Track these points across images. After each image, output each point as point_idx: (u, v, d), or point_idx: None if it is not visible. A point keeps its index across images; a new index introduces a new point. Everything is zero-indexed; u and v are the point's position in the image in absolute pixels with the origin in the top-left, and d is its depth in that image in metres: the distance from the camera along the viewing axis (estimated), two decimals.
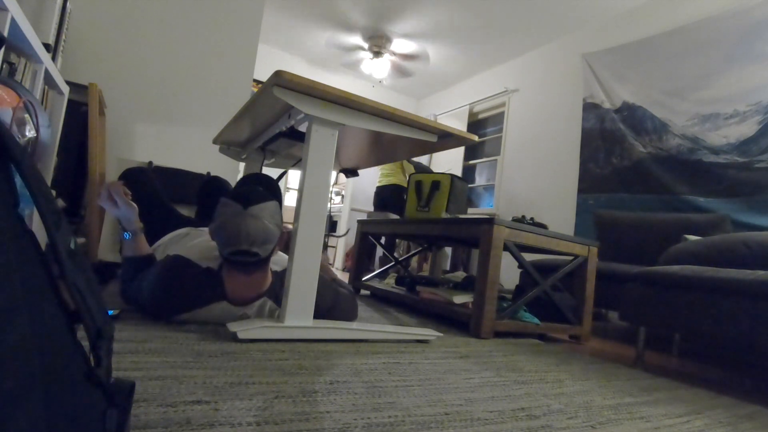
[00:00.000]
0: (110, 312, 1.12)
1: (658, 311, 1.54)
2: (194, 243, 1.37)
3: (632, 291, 1.65)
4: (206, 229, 1.35)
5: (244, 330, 1.07)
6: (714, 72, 2.78)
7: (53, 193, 1.71)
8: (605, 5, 3.48)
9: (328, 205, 1.27)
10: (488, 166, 4.88)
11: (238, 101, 3.05)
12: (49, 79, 1.68)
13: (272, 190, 1.32)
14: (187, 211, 1.98)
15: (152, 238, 1.50)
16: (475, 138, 1.41)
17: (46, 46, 1.59)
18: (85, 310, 0.38)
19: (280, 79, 1.07)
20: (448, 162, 5.24)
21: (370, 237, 2.82)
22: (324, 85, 1.12)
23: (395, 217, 3.06)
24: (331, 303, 1.32)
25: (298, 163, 1.99)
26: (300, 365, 0.94)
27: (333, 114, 1.20)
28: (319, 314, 1.23)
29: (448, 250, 4.42)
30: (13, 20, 1.22)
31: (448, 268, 4.35)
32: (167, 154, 2.78)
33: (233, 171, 2.95)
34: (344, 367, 0.97)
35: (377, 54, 4.60)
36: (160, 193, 1.74)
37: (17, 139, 1.20)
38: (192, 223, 1.69)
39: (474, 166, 5.09)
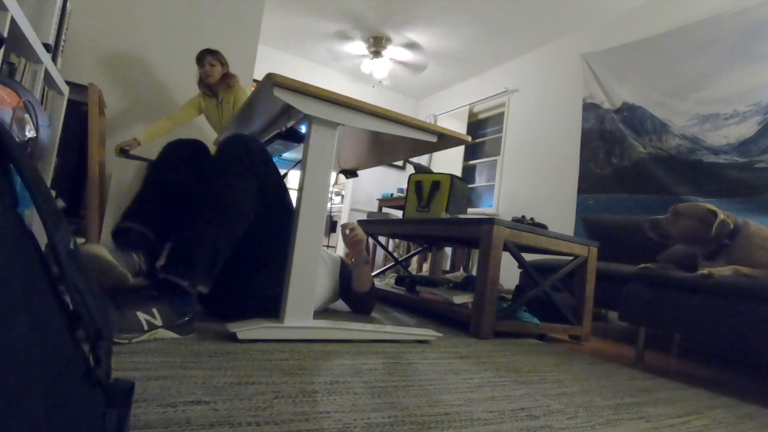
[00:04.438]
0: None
1: (658, 311, 1.54)
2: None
3: (632, 291, 1.65)
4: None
5: (243, 330, 1.07)
6: (714, 72, 2.78)
7: (53, 193, 1.71)
8: (605, 5, 3.48)
9: (328, 205, 1.27)
10: (488, 166, 4.88)
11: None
12: (49, 79, 1.68)
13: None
14: None
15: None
16: (468, 138, 1.41)
17: (46, 46, 1.59)
18: (85, 310, 0.38)
19: (272, 81, 1.08)
20: (448, 162, 5.24)
21: (369, 237, 2.81)
22: (316, 87, 1.13)
23: None
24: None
25: (298, 163, 1.99)
26: (300, 365, 0.94)
27: (332, 114, 1.20)
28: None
29: (448, 250, 4.42)
30: (13, 20, 1.22)
31: (448, 268, 4.34)
32: None
33: None
34: (344, 367, 0.97)
35: (377, 54, 4.60)
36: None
37: (17, 139, 1.20)
38: None
39: (474, 167, 5.08)
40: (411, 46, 4.58)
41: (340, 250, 5.45)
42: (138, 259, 1.11)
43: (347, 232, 1.59)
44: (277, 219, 1.23)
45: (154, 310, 0.97)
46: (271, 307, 1.19)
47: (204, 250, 1.05)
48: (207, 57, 2.53)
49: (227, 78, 2.60)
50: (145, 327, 0.95)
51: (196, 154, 1.36)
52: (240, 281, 1.25)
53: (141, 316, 0.94)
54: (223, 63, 2.59)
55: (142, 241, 1.17)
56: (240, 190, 1.13)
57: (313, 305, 1.19)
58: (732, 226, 1.53)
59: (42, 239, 0.41)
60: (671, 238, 1.65)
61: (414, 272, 3.78)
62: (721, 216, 1.54)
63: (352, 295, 1.72)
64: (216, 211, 1.09)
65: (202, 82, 2.61)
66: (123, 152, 2.35)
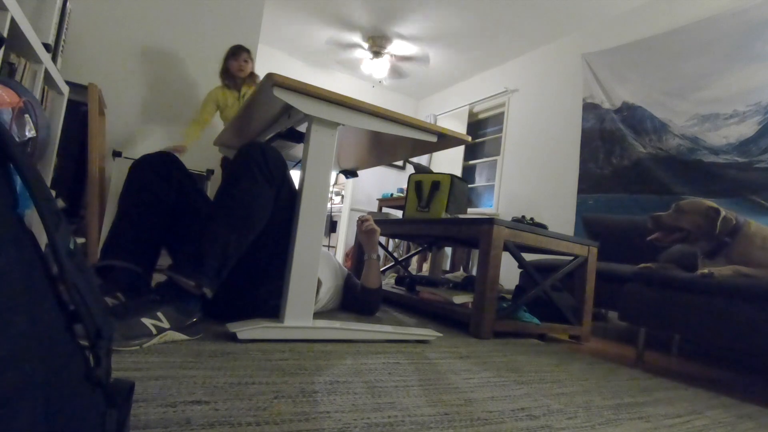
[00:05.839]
0: None
1: (658, 311, 1.54)
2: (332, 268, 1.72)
3: (632, 291, 1.65)
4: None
5: (243, 330, 1.07)
6: (714, 72, 2.78)
7: (53, 193, 1.71)
8: (605, 5, 3.48)
9: (328, 205, 1.27)
10: (488, 166, 4.88)
11: None
12: (49, 79, 1.68)
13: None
14: None
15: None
16: (468, 138, 1.42)
17: (46, 46, 1.59)
18: (85, 310, 0.38)
19: (272, 81, 1.08)
20: (448, 162, 5.23)
21: None
22: (316, 87, 1.13)
23: None
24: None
25: (298, 164, 1.99)
26: (300, 365, 0.94)
27: (332, 114, 1.20)
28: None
29: (448, 250, 4.42)
30: (13, 20, 1.22)
31: (448, 268, 4.35)
32: None
33: None
34: (344, 367, 0.97)
35: (377, 54, 4.60)
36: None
37: (17, 139, 1.20)
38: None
39: (474, 166, 5.08)
40: (411, 46, 4.58)
41: (341, 251, 5.45)
42: (120, 297, 1.08)
43: (361, 222, 1.72)
44: (287, 229, 1.21)
45: (159, 314, 0.96)
46: (273, 316, 1.19)
47: (214, 252, 1.05)
48: (243, 53, 2.65)
49: (254, 76, 2.75)
50: (154, 331, 0.94)
51: (166, 166, 1.31)
52: (244, 290, 1.24)
53: (146, 321, 0.94)
54: (253, 61, 2.76)
55: (128, 276, 1.15)
56: (255, 197, 1.12)
57: (313, 305, 1.19)
58: (735, 222, 1.53)
59: (42, 239, 0.41)
60: (674, 235, 1.64)
61: (414, 272, 3.78)
62: (723, 212, 1.53)
63: (358, 294, 1.73)
64: (229, 216, 1.09)
65: (228, 74, 2.68)
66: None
